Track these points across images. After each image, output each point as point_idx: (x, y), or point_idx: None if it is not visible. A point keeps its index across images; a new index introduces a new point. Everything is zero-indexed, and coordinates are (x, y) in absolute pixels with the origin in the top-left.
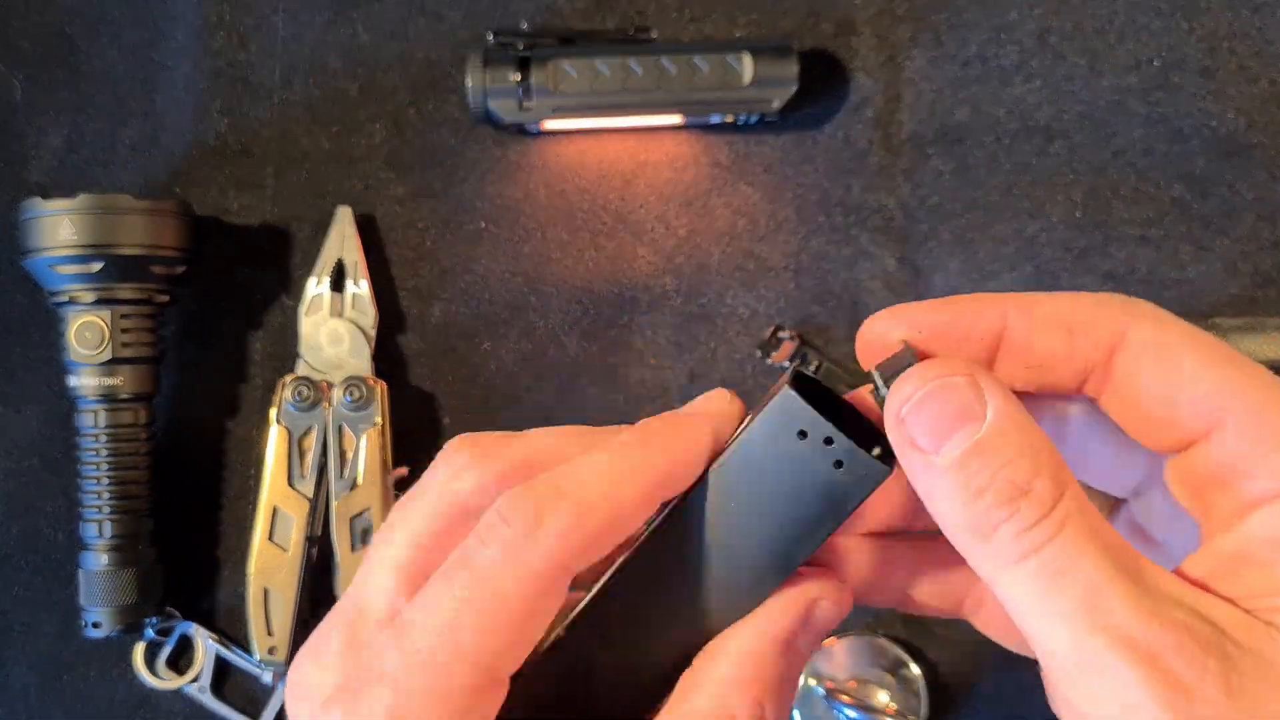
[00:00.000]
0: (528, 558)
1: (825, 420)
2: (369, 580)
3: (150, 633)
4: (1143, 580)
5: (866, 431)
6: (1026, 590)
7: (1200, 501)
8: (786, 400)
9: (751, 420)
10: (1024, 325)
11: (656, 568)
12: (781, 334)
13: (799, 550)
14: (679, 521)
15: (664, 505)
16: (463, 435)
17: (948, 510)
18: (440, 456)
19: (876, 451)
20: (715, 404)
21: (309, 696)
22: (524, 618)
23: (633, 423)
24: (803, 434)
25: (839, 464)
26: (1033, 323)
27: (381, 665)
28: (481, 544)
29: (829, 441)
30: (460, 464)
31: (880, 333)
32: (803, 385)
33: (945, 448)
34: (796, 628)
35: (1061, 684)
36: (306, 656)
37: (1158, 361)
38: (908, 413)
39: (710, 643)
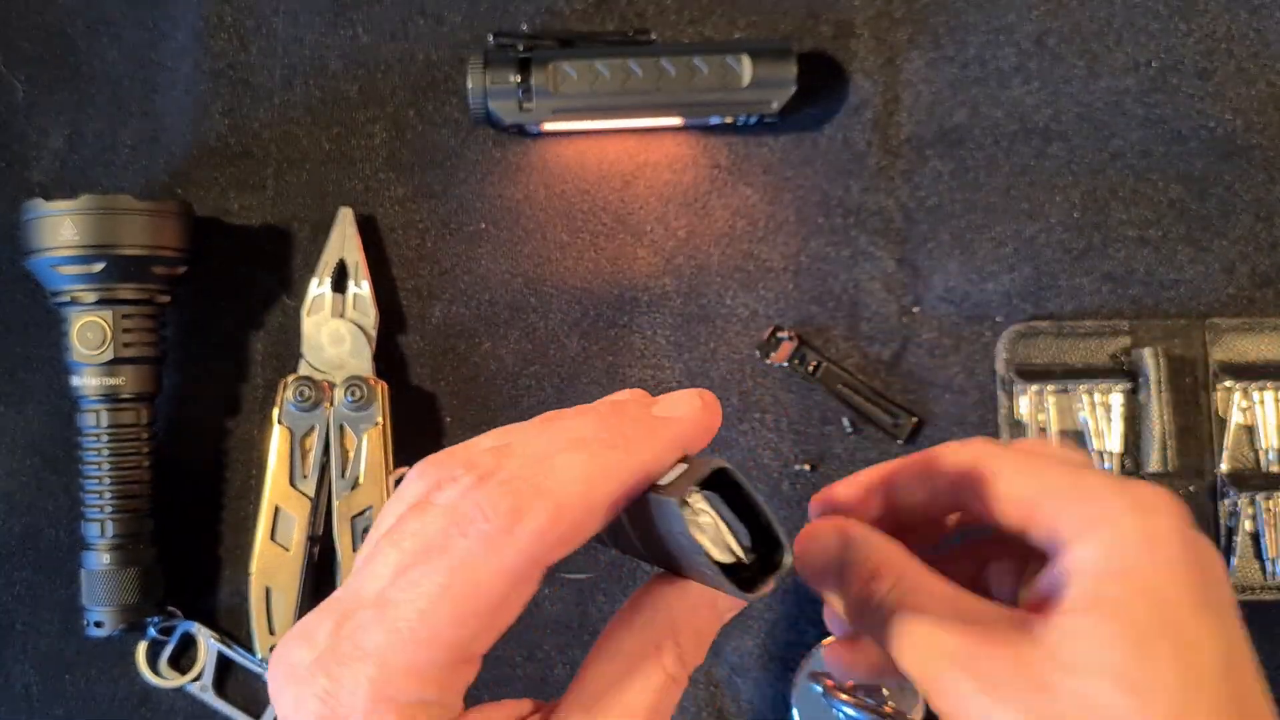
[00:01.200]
0: (505, 553)
1: (697, 542)
2: (372, 569)
3: (152, 632)
4: (963, 618)
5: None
6: (895, 640)
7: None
8: (675, 505)
9: (671, 482)
10: (902, 488)
11: (631, 517)
12: (780, 334)
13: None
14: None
15: None
16: (430, 459)
17: (849, 614)
18: (410, 479)
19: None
20: (688, 407)
21: (294, 671)
22: (497, 606)
23: None
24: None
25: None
26: (906, 485)
27: (366, 641)
28: (462, 535)
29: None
30: (433, 472)
31: (843, 497)
32: (719, 480)
33: (826, 566)
34: (718, 595)
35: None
36: (296, 636)
37: (987, 485)
38: (800, 559)
39: (649, 586)
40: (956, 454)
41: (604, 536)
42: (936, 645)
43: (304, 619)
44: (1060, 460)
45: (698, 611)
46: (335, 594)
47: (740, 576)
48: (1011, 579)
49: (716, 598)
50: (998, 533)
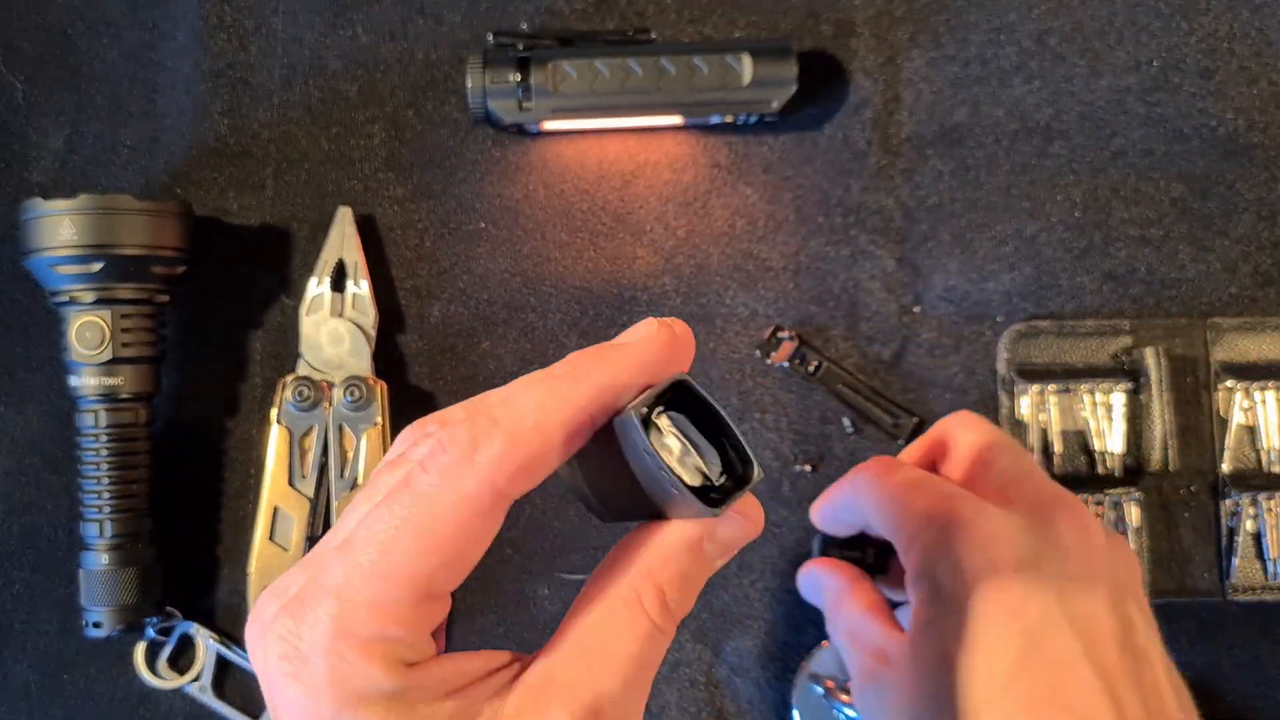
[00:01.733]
0: (463, 481)
1: (659, 457)
2: (343, 522)
3: (151, 632)
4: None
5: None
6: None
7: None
8: (635, 420)
9: (632, 401)
10: (834, 516)
11: (600, 461)
12: (780, 334)
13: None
14: (606, 438)
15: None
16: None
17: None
18: (401, 439)
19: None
20: (643, 332)
21: (263, 622)
22: (458, 538)
23: None
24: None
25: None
26: (832, 516)
27: (329, 578)
28: (422, 470)
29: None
30: (415, 434)
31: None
32: (679, 393)
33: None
34: (701, 535)
35: None
36: (269, 592)
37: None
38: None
39: (632, 534)
40: (848, 488)
41: (587, 500)
42: (851, 664)
43: (281, 576)
44: (906, 497)
45: (679, 555)
46: (310, 552)
47: (711, 498)
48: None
49: (699, 539)
50: None
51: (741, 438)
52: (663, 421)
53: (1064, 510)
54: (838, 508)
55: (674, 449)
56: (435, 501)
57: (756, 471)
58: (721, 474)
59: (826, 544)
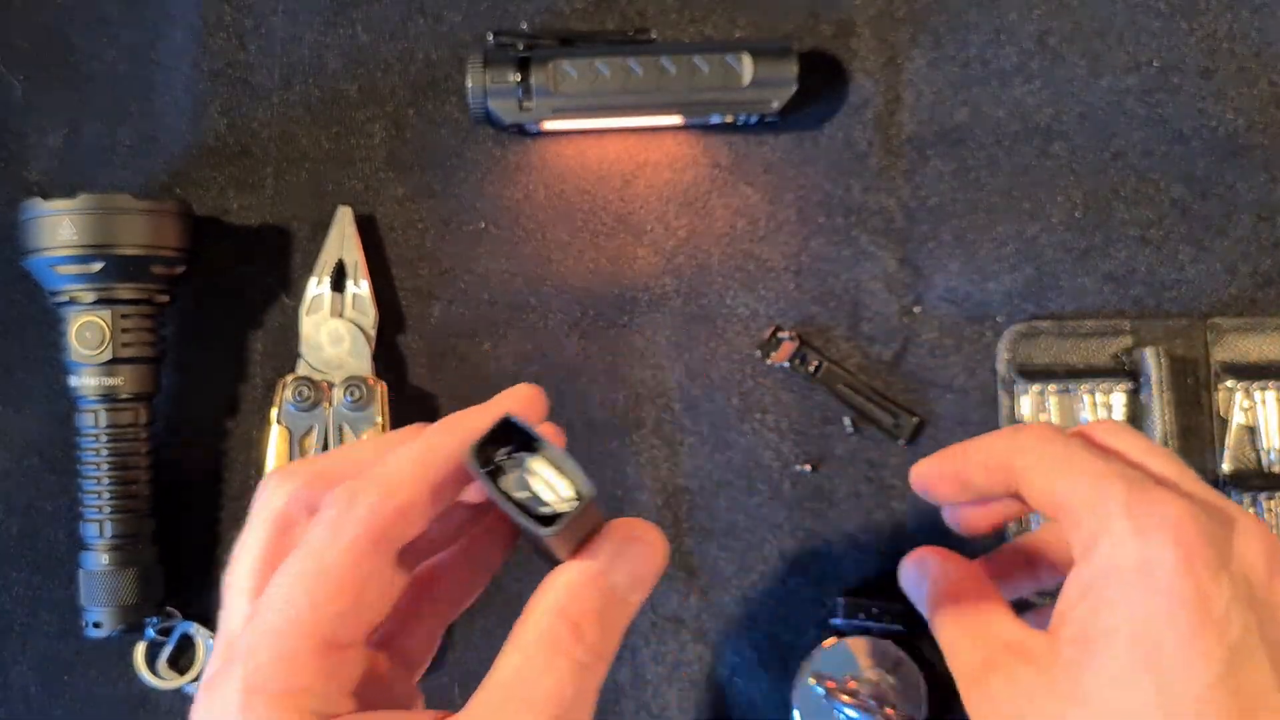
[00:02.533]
0: (346, 531)
1: (495, 487)
2: (229, 612)
3: (151, 632)
4: (990, 638)
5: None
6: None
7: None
8: (472, 463)
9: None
10: (969, 475)
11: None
12: (781, 334)
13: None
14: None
15: None
16: (268, 474)
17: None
18: (255, 495)
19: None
20: (514, 393)
21: (192, 710)
22: (350, 585)
23: (634, 423)
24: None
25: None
26: (971, 472)
27: (238, 647)
28: (312, 529)
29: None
30: (273, 486)
31: (921, 483)
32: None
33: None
34: (605, 566)
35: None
36: (200, 686)
37: (1025, 477)
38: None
39: (545, 578)
40: (1005, 445)
41: (542, 557)
42: (961, 665)
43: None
44: (1090, 461)
45: (585, 590)
46: (214, 644)
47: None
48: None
49: (598, 571)
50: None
51: (569, 460)
52: (506, 462)
53: (1248, 521)
54: (971, 464)
55: (532, 486)
56: (323, 553)
57: (586, 491)
58: (576, 499)
59: (851, 609)
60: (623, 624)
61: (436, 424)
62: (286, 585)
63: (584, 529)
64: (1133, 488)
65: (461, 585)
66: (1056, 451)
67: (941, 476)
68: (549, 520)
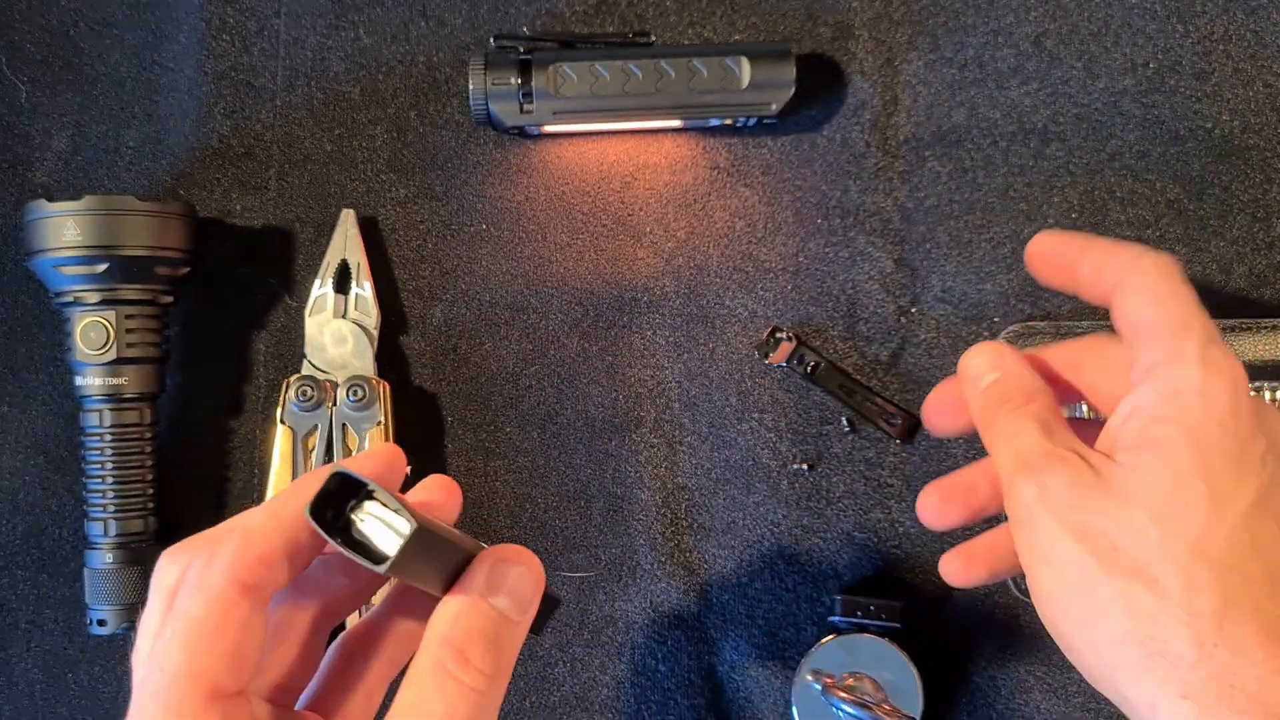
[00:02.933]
0: (209, 581)
1: (325, 532)
2: (139, 653)
3: None
4: (1052, 437)
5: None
6: (997, 438)
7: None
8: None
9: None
10: (1080, 265)
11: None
12: (779, 335)
13: None
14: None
15: None
16: (168, 550)
17: (973, 408)
18: (154, 569)
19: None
20: (369, 453)
21: None
22: (223, 633)
23: (633, 423)
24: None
25: None
26: (1084, 263)
27: (134, 708)
28: (178, 588)
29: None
30: (165, 563)
31: (1046, 250)
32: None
33: (981, 384)
34: (482, 591)
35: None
36: None
37: (1123, 294)
38: (962, 368)
39: (433, 613)
40: (1127, 259)
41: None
42: (1016, 453)
43: None
44: (1188, 304)
45: (467, 618)
46: None
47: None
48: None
49: (476, 596)
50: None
51: (392, 501)
52: (357, 514)
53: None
54: (1090, 256)
55: (370, 530)
56: (193, 607)
57: (407, 529)
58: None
59: (848, 607)
60: (512, 644)
61: (298, 480)
62: (164, 643)
63: (442, 563)
64: (1211, 338)
65: (394, 644)
66: (1163, 284)
67: (1057, 253)
68: (385, 558)
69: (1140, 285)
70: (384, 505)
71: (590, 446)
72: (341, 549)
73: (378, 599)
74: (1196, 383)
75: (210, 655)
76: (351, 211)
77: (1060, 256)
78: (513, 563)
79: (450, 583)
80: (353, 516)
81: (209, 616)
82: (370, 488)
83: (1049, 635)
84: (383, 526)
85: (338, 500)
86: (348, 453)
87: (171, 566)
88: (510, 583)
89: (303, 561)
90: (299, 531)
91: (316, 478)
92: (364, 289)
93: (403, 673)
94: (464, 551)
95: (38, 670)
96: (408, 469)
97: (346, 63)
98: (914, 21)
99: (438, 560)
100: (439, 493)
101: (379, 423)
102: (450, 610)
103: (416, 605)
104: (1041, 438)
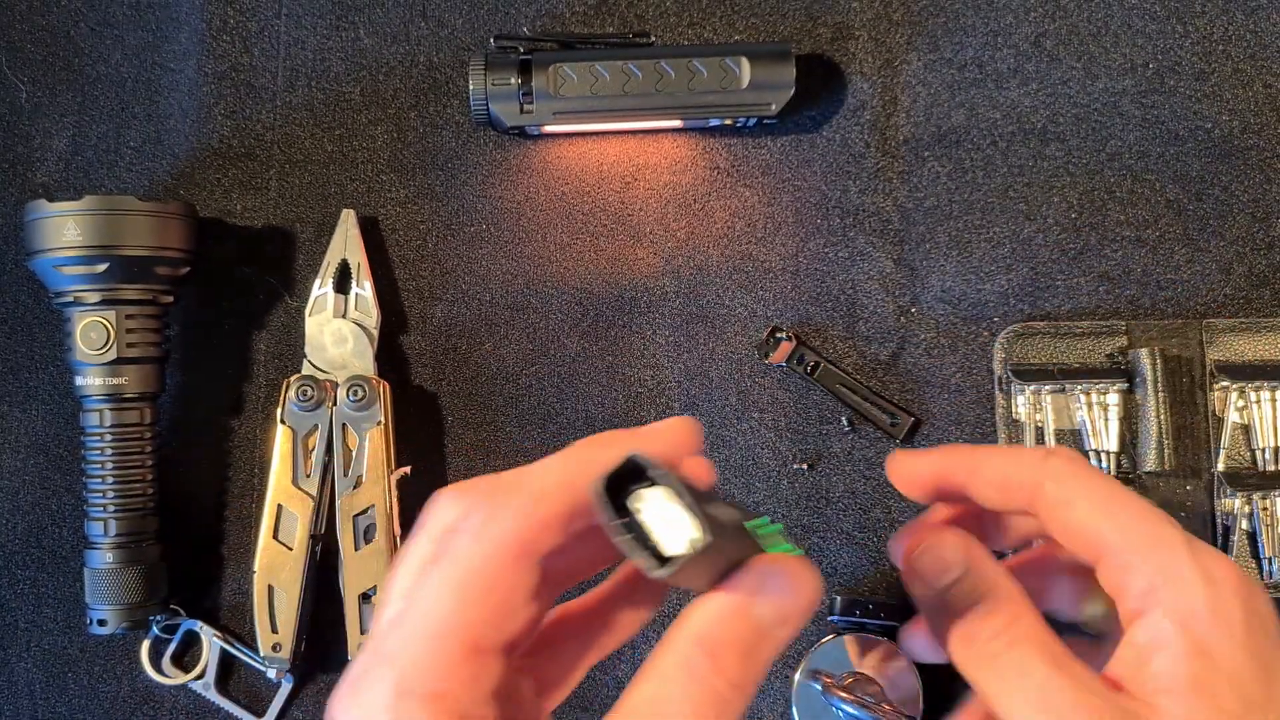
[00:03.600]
0: (491, 536)
1: (613, 522)
2: (382, 613)
3: (155, 630)
4: (1080, 681)
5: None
6: (998, 681)
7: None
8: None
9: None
10: (974, 486)
11: None
12: (779, 335)
13: None
14: None
15: None
16: (446, 488)
17: (940, 626)
18: (427, 504)
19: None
20: (662, 423)
21: (332, 709)
22: (495, 589)
23: (634, 423)
24: None
25: None
26: (978, 483)
27: (385, 649)
28: (456, 535)
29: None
30: (444, 502)
31: (906, 474)
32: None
33: (940, 583)
34: (748, 597)
35: None
36: (342, 683)
37: (1059, 508)
38: (915, 562)
39: (686, 607)
40: (1033, 468)
41: None
42: (1036, 707)
43: (349, 668)
44: (1137, 502)
45: (726, 622)
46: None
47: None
48: (1071, 597)
49: (741, 604)
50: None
51: (690, 500)
52: (633, 502)
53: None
54: (982, 476)
55: (652, 523)
56: (469, 558)
57: (699, 540)
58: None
59: (848, 606)
60: (765, 658)
61: (589, 441)
62: (434, 589)
63: (717, 569)
64: (1189, 537)
65: (610, 629)
66: (1101, 488)
67: (936, 476)
68: (665, 560)
69: (1075, 498)
70: (673, 501)
71: None
72: (621, 543)
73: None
74: (1204, 606)
75: (480, 609)
76: (352, 211)
77: (938, 478)
78: (788, 575)
79: (713, 581)
80: (633, 505)
81: (485, 571)
82: (663, 479)
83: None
84: (665, 521)
85: (619, 478)
86: (347, 454)
87: (452, 508)
88: (780, 595)
89: (575, 530)
90: (581, 502)
91: (604, 445)
92: (364, 289)
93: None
94: (742, 555)
95: (37, 670)
96: (406, 470)
97: (347, 63)
98: (913, 22)
99: (713, 568)
100: (694, 446)
101: (379, 423)
102: (710, 610)
103: (645, 593)
104: (1062, 679)
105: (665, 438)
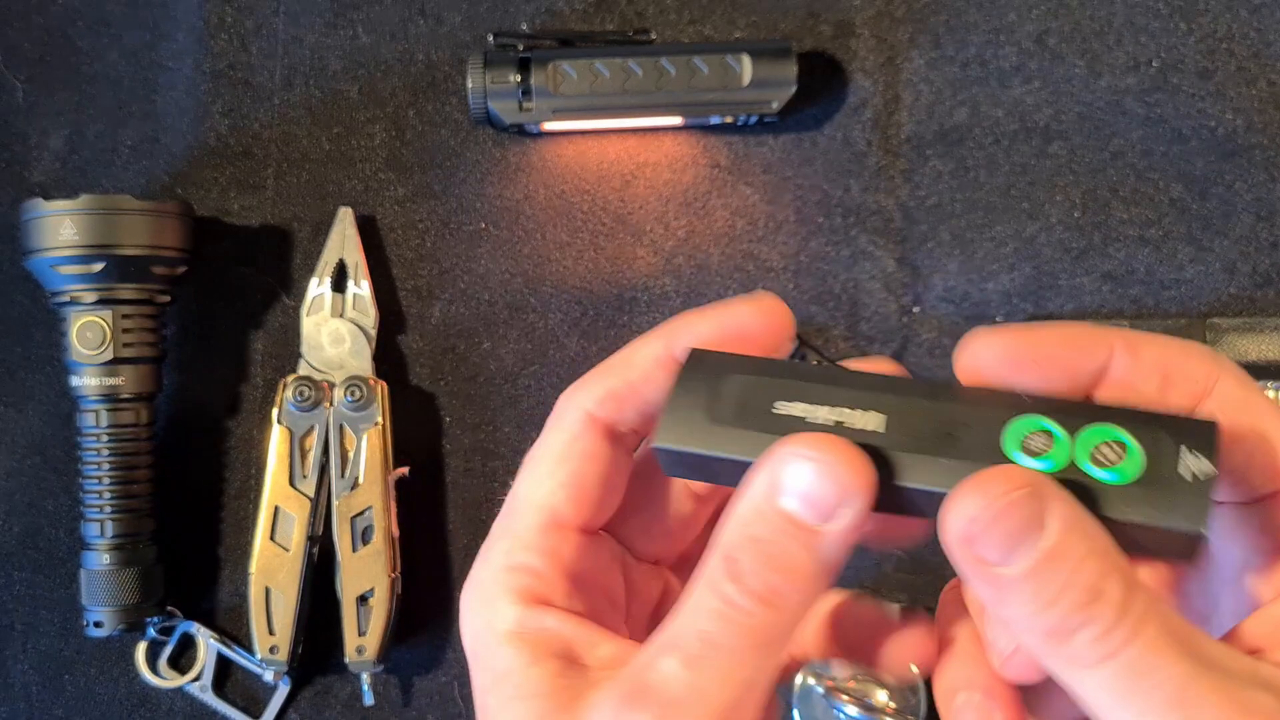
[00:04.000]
0: (565, 410)
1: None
2: (514, 504)
3: (152, 632)
4: (1223, 671)
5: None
6: (1111, 691)
7: (1269, 558)
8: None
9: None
10: (1127, 366)
11: None
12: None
13: None
14: None
15: None
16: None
17: (1021, 618)
18: (554, 410)
19: None
20: (745, 296)
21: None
22: (564, 461)
23: None
24: None
25: None
26: (1137, 365)
27: (494, 531)
28: (547, 425)
29: None
30: (564, 406)
31: (981, 354)
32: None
33: (1013, 560)
34: (766, 489)
35: None
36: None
37: (1239, 416)
38: (978, 534)
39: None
40: (1207, 363)
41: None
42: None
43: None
44: None
45: (748, 523)
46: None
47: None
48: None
49: (763, 494)
50: None
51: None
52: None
53: None
54: (1185, 356)
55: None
56: (545, 439)
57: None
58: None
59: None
60: (802, 561)
61: (675, 318)
62: (521, 472)
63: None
64: None
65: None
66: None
67: (1062, 352)
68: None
69: (1266, 411)
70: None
71: None
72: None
73: None
74: None
75: (552, 482)
76: (349, 209)
77: (1060, 359)
78: (805, 454)
79: None
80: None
81: (555, 445)
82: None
83: None
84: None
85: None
86: (344, 455)
87: (574, 404)
88: (803, 479)
89: (647, 398)
90: (670, 362)
91: (703, 318)
92: (362, 288)
93: None
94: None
95: (34, 672)
96: (404, 471)
97: (345, 61)
98: (916, 19)
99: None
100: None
101: (377, 423)
102: (733, 511)
103: None
104: (1205, 678)
105: (752, 313)
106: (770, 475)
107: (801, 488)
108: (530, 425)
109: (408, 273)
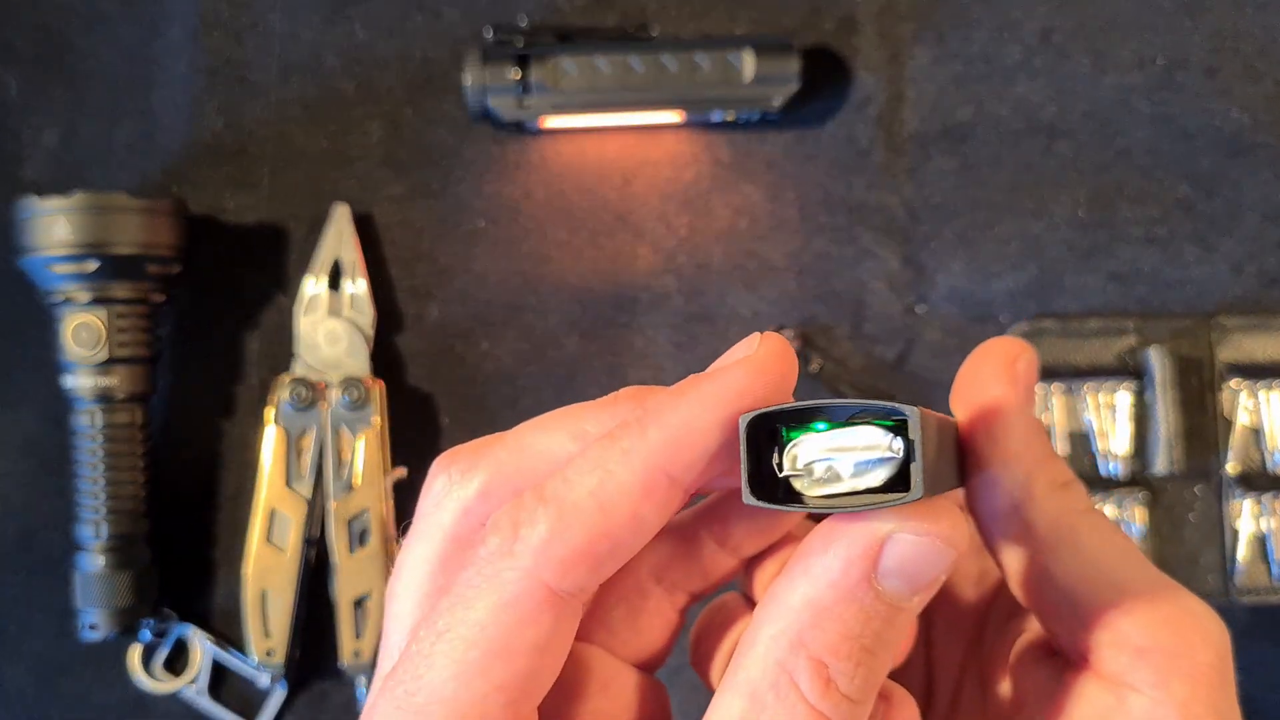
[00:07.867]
0: (503, 578)
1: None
2: (388, 643)
3: (147, 635)
4: None
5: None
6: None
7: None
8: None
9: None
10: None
11: None
12: (784, 334)
13: None
14: None
15: None
16: (442, 455)
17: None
18: (425, 484)
19: None
20: (740, 352)
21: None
22: (509, 650)
23: None
24: None
25: None
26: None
27: (417, 680)
28: (467, 569)
29: None
30: (439, 492)
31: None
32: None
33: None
34: (855, 568)
35: None
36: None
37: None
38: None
39: (770, 586)
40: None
41: None
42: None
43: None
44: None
45: (833, 605)
46: (375, 678)
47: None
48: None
49: (855, 574)
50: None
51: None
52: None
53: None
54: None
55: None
56: (473, 609)
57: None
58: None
59: None
60: (894, 645)
61: (638, 413)
62: (446, 657)
63: None
64: (1158, 586)
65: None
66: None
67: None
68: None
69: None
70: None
71: None
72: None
73: None
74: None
75: (483, 684)
76: (346, 207)
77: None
78: (918, 526)
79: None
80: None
81: (489, 633)
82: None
83: None
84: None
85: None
86: (341, 456)
87: (448, 502)
88: (902, 560)
89: (634, 545)
90: (654, 500)
91: (692, 401)
92: (358, 287)
93: None
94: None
95: (28, 675)
96: (403, 472)
97: (341, 57)
98: (920, 15)
99: None
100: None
101: (374, 424)
102: (807, 590)
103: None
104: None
105: (755, 376)
106: (863, 551)
107: (904, 561)
108: None
109: (405, 271)
